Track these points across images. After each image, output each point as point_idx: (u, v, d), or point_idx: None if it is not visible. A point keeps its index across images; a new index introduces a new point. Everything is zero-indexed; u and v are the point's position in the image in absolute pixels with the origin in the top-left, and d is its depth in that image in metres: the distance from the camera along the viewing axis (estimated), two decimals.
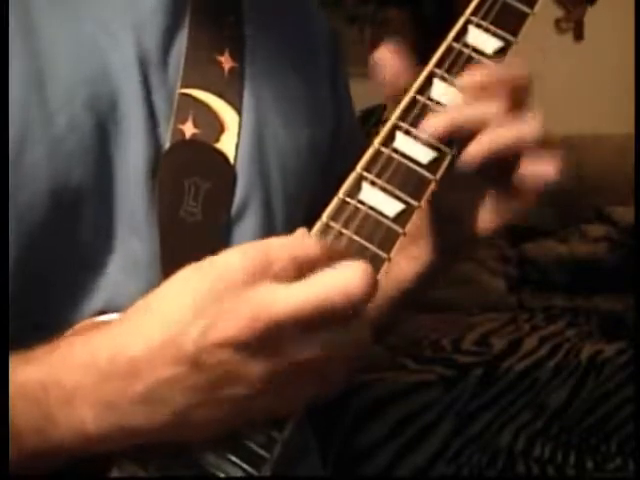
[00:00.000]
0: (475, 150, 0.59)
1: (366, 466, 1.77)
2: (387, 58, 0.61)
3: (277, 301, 0.48)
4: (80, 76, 0.57)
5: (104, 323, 0.54)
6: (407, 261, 0.69)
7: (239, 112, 0.63)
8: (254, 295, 0.48)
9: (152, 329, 0.49)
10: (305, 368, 0.49)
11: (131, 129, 0.58)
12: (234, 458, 0.52)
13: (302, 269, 0.49)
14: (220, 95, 0.62)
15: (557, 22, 3.16)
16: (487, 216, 0.64)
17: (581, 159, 2.83)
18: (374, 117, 2.49)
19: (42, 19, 0.57)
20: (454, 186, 0.61)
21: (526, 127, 0.59)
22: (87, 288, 0.57)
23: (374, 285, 0.49)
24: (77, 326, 0.55)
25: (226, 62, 0.63)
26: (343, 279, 0.49)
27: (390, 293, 0.70)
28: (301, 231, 0.54)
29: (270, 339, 0.48)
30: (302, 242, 0.51)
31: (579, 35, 3.20)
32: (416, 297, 0.74)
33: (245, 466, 0.52)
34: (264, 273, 0.49)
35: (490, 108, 0.59)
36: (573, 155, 2.98)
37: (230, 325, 0.48)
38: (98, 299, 0.57)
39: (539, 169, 0.60)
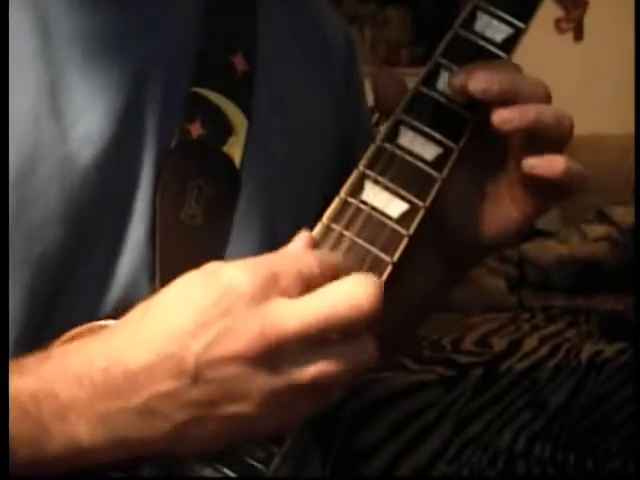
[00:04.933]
0: (515, 115, 0.55)
1: (366, 466, 1.77)
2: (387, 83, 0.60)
3: (285, 316, 0.47)
4: (95, 85, 0.55)
5: (100, 328, 0.52)
6: (414, 276, 0.66)
7: (249, 116, 0.61)
8: (262, 311, 0.47)
9: (151, 340, 0.48)
10: (309, 385, 0.48)
11: (148, 133, 0.57)
12: (231, 473, 0.50)
13: (308, 283, 0.49)
14: (230, 97, 0.60)
15: (557, 22, 3.16)
16: (490, 223, 0.62)
17: (581, 159, 2.82)
18: (374, 117, 2.49)
19: (58, 26, 0.55)
20: (455, 191, 0.60)
21: (564, 114, 0.57)
22: (100, 293, 0.56)
23: (381, 295, 0.49)
24: (73, 331, 0.53)
25: (239, 64, 0.62)
26: (349, 291, 0.48)
27: (399, 309, 0.67)
28: (302, 239, 0.53)
29: (278, 355, 0.47)
30: (305, 259, 0.50)
31: (579, 35, 3.20)
32: (427, 311, 0.73)
33: None
34: (271, 289, 0.48)
35: (532, 86, 0.57)
36: (573, 155, 2.97)
37: (237, 340, 0.47)
38: (111, 303, 0.56)
39: (548, 162, 0.57)
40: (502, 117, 0.56)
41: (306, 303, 0.48)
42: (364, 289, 0.48)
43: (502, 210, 0.61)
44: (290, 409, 0.50)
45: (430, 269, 0.66)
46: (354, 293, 0.48)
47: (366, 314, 0.48)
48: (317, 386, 0.49)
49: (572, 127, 0.58)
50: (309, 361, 0.48)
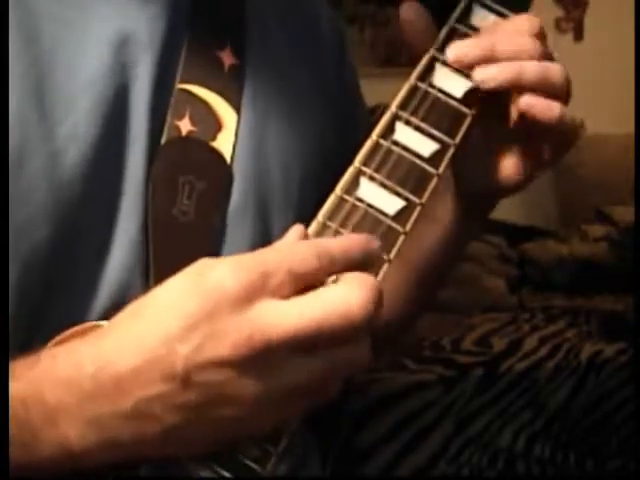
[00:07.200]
0: (498, 72, 0.57)
1: (366, 466, 1.77)
2: (412, 19, 0.61)
3: (273, 321, 0.46)
4: (81, 81, 0.55)
5: (91, 329, 0.52)
6: (428, 225, 0.67)
7: (238, 111, 0.61)
8: (249, 314, 0.46)
9: (140, 344, 0.48)
10: (299, 389, 0.48)
11: (135, 129, 0.57)
12: (227, 473, 0.50)
13: (300, 282, 0.48)
14: (219, 92, 0.60)
15: (557, 22, 3.16)
16: (508, 166, 0.62)
17: (581, 159, 2.82)
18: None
19: (45, 24, 0.55)
20: (474, 137, 0.60)
21: (554, 68, 0.57)
22: (91, 291, 0.56)
23: (377, 300, 0.48)
24: (65, 333, 0.53)
25: (227, 58, 0.62)
26: (343, 298, 0.47)
27: (414, 266, 0.68)
28: (296, 231, 0.53)
29: (265, 360, 0.47)
30: (299, 253, 0.49)
31: (579, 35, 3.20)
32: (442, 268, 0.73)
33: None
34: (260, 289, 0.47)
35: (524, 42, 0.57)
36: (573, 154, 2.97)
37: (224, 344, 0.46)
38: (103, 301, 0.56)
39: (545, 105, 0.57)
40: (481, 77, 0.57)
41: (295, 308, 0.47)
42: (357, 296, 0.47)
43: (513, 160, 0.62)
44: (283, 409, 0.49)
45: (450, 211, 0.67)
46: (347, 300, 0.47)
47: (358, 322, 0.47)
48: (309, 388, 0.48)
49: (565, 71, 0.58)
50: (298, 366, 0.47)
